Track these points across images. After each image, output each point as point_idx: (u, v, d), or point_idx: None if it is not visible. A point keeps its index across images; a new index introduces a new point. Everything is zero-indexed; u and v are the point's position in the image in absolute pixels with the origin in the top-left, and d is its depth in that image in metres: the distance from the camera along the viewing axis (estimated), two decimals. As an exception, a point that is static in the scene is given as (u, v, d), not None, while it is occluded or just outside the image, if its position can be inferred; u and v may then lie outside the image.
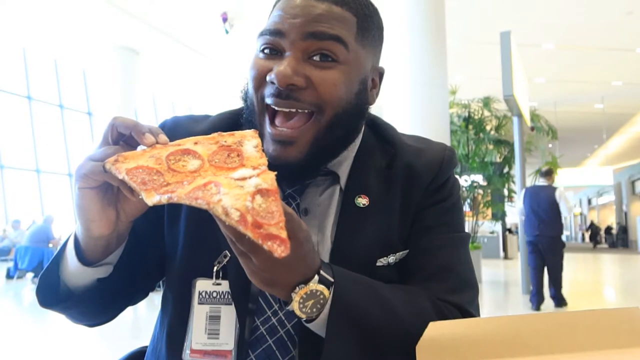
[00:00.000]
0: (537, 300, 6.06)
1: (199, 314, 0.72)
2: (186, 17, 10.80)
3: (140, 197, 0.52)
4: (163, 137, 0.60)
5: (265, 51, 0.71)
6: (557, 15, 10.30)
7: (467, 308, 0.73)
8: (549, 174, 6.33)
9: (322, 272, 0.61)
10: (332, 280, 0.61)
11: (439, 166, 0.80)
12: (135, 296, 0.82)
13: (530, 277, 6.29)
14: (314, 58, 0.69)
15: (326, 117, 0.70)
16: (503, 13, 9.96)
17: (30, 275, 9.08)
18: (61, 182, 15.40)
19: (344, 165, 0.79)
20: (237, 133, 0.61)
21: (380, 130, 0.84)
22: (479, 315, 0.75)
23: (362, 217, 0.74)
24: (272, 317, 0.72)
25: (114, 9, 10.37)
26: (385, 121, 0.86)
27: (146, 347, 0.87)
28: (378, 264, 0.74)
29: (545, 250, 6.11)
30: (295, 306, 0.60)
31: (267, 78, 0.69)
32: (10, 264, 9.68)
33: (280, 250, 0.46)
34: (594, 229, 28.04)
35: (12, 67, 14.20)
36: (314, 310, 0.61)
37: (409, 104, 5.85)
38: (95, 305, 0.74)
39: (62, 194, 15.26)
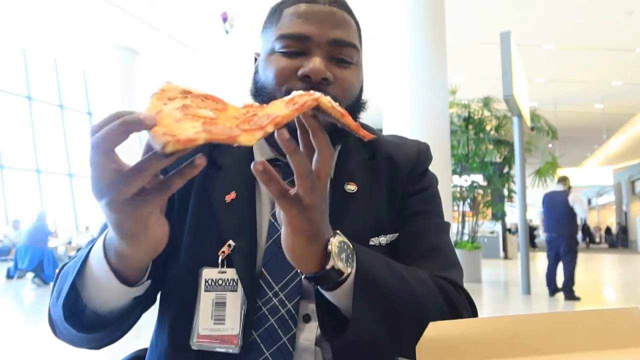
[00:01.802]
0: (550, 289, 6.97)
1: (205, 301, 0.75)
2: (186, 17, 10.80)
3: (236, 144, 0.46)
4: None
5: (288, 52, 0.77)
6: (557, 15, 10.29)
7: (459, 283, 0.78)
8: (564, 180, 7.18)
9: (338, 232, 0.64)
10: (351, 245, 0.65)
11: (417, 156, 0.89)
12: (151, 303, 0.82)
13: (547, 267, 7.19)
14: (336, 58, 0.78)
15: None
16: (503, 13, 9.96)
17: (30, 275, 9.09)
18: (61, 182, 15.41)
19: (335, 156, 0.85)
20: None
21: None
22: (467, 292, 0.79)
23: (352, 201, 0.80)
24: (273, 298, 0.75)
25: (114, 9, 10.37)
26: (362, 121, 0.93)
27: (145, 349, 0.87)
28: (370, 243, 0.79)
29: (561, 248, 6.90)
30: (335, 258, 0.61)
31: (299, 73, 0.76)
32: (10, 264, 9.68)
33: (364, 133, 0.58)
34: (586, 228, 28.84)
35: (12, 67, 14.21)
36: (347, 264, 0.63)
37: (409, 104, 5.85)
38: (125, 324, 0.73)
39: (62, 194, 15.27)
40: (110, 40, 11.82)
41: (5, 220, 13.54)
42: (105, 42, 11.89)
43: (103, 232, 0.71)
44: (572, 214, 6.84)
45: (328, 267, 0.61)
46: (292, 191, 0.55)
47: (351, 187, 0.82)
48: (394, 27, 5.95)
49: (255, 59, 0.87)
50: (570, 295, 6.66)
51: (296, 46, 0.77)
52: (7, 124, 14.47)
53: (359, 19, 0.87)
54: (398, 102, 5.88)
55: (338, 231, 0.64)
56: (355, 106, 0.82)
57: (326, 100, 0.55)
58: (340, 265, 0.62)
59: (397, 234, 0.82)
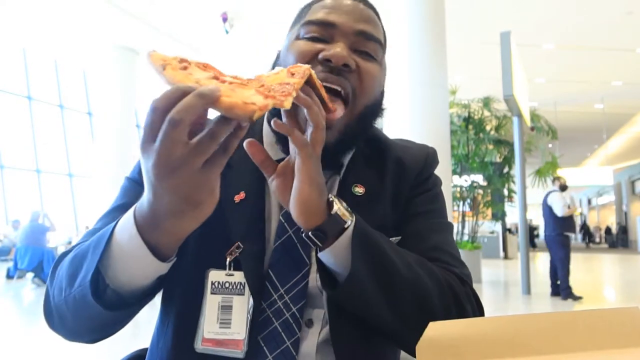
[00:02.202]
0: (552, 288, 7.04)
1: (211, 303, 0.74)
2: (186, 17, 10.81)
3: (283, 108, 0.55)
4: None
5: (312, 38, 0.77)
6: (557, 15, 10.30)
7: (465, 279, 0.77)
8: (557, 180, 7.29)
9: (344, 204, 0.70)
10: (351, 214, 0.69)
11: (424, 160, 0.89)
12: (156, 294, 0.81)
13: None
14: (360, 50, 0.78)
15: (359, 107, 0.78)
16: (503, 13, 9.96)
17: (30, 275, 9.09)
18: (61, 182, 15.41)
19: (347, 155, 0.85)
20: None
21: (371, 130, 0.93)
22: (473, 288, 0.78)
23: (359, 204, 0.79)
24: (278, 301, 0.74)
25: (114, 9, 10.37)
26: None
27: (145, 349, 0.86)
28: None
29: (548, 246, 7.09)
30: (339, 206, 0.67)
31: (320, 56, 0.75)
32: (10, 264, 9.68)
33: (330, 106, 0.70)
34: (586, 229, 29.24)
35: (12, 67, 14.21)
36: (347, 214, 0.68)
37: (409, 104, 5.85)
38: (137, 309, 0.72)
39: (62, 194, 15.27)
40: (110, 40, 11.82)
41: (6, 220, 13.54)
42: (105, 42, 11.89)
43: (93, 234, 0.71)
44: (551, 213, 6.92)
45: (333, 211, 0.67)
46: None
47: (359, 190, 0.82)
48: (394, 27, 5.95)
49: (278, 57, 0.86)
50: (567, 294, 6.61)
51: (321, 33, 0.77)
52: (7, 124, 14.47)
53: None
54: (398, 102, 5.88)
55: None
56: (374, 108, 0.81)
57: (314, 72, 0.64)
58: (343, 210, 0.67)
59: (400, 237, 0.81)
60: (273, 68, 0.81)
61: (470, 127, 10.08)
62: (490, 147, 10.03)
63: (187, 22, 11.03)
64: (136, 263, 0.62)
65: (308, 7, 0.82)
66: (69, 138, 15.77)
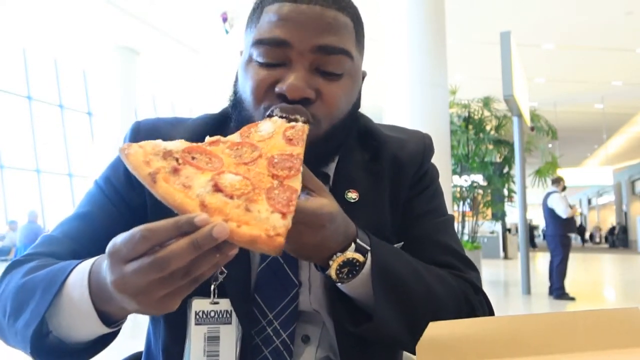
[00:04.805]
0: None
1: (196, 335, 0.69)
2: (186, 17, 10.80)
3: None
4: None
5: (265, 61, 0.68)
6: (557, 15, 10.29)
7: (476, 284, 0.76)
8: (556, 181, 7.29)
9: (358, 240, 0.65)
10: (368, 247, 0.65)
11: (422, 155, 0.83)
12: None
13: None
14: (321, 69, 0.68)
15: (324, 128, 0.69)
16: (503, 13, 9.95)
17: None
18: (61, 182, 15.40)
19: (331, 164, 0.78)
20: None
21: (359, 124, 0.84)
22: (485, 295, 0.77)
23: (354, 211, 0.73)
24: (267, 327, 0.71)
25: (114, 9, 10.37)
26: (360, 112, 0.83)
27: (141, 352, 0.85)
28: None
29: (549, 247, 7.09)
30: (332, 273, 0.64)
31: (276, 89, 0.66)
32: (10, 264, 9.67)
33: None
34: (581, 229, 29.48)
35: (12, 67, 14.20)
36: (350, 276, 0.64)
37: (409, 104, 5.85)
38: (85, 356, 0.65)
39: (62, 194, 15.26)
40: (110, 40, 11.81)
41: (6, 220, 13.54)
42: (105, 42, 11.88)
43: (51, 242, 0.68)
44: (553, 214, 6.93)
45: (327, 273, 0.64)
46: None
47: (352, 195, 0.76)
48: (394, 27, 5.95)
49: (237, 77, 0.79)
50: (559, 295, 6.63)
51: (275, 55, 0.67)
52: (7, 124, 14.46)
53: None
54: (398, 102, 5.88)
55: (358, 235, 0.66)
56: (344, 123, 0.72)
57: (307, 127, 0.60)
58: (337, 277, 0.64)
59: (402, 243, 0.78)
60: (236, 81, 0.76)
61: (470, 127, 10.06)
62: (490, 147, 10.01)
63: (187, 22, 11.02)
64: (82, 322, 0.57)
65: (260, 8, 0.71)
66: (69, 138, 15.75)
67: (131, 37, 11.69)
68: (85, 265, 0.57)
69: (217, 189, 0.48)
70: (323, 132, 0.69)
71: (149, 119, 0.82)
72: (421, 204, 0.81)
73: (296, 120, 0.64)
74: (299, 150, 0.55)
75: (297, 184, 0.51)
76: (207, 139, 0.57)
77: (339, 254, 0.63)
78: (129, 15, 10.63)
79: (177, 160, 0.51)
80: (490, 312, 0.76)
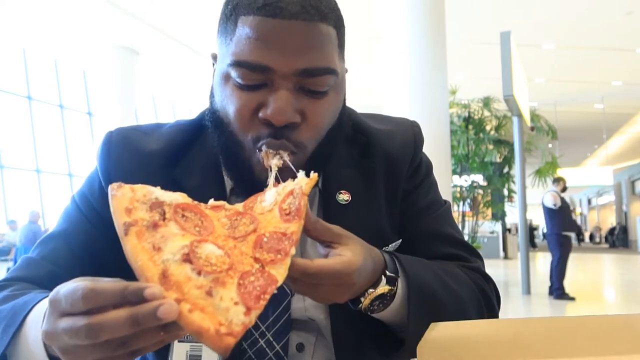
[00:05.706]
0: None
1: (178, 353, 0.66)
2: (186, 17, 10.80)
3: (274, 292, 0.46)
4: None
5: (246, 83, 0.64)
6: (557, 15, 10.29)
7: (484, 272, 0.77)
8: (556, 181, 7.29)
9: (388, 272, 0.63)
10: (397, 277, 0.64)
11: (414, 146, 0.80)
12: None
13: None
14: (306, 88, 0.64)
15: (309, 150, 0.67)
16: (503, 13, 9.95)
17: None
18: (61, 182, 15.40)
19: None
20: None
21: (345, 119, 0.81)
22: (493, 281, 0.79)
23: (347, 213, 0.72)
24: (259, 339, 0.69)
25: (114, 9, 10.37)
26: (345, 106, 0.79)
27: None
28: None
29: (548, 246, 7.15)
30: (364, 308, 0.63)
31: (260, 115, 0.63)
32: (10, 264, 9.68)
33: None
34: (578, 228, 29.19)
35: (12, 67, 14.19)
36: (381, 306, 0.63)
37: (409, 104, 5.84)
38: None
39: (62, 194, 15.25)
40: (110, 40, 11.81)
41: (6, 220, 13.54)
42: (105, 42, 11.88)
43: (28, 265, 0.67)
44: (549, 213, 6.93)
45: (359, 308, 0.63)
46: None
47: (344, 197, 0.73)
48: (394, 27, 5.95)
49: (213, 64, 0.75)
50: (559, 295, 6.62)
51: (256, 77, 0.63)
52: (7, 124, 14.46)
53: (358, 20, 0.75)
54: (398, 102, 5.88)
55: (386, 266, 0.64)
56: (331, 133, 0.69)
57: (308, 187, 0.54)
58: (370, 311, 0.63)
59: (400, 240, 0.76)
60: (212, 96, 0.72)
61: (470, 127, 10.07)
62: (490, 147, 10.02)
63: (187, 22, 11.02)
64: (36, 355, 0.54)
65: (235, 15, 0.65)
66: (68, 138, 15.75)
67: (131, 37, 11.69)
68: (46, 302, 0.53)
69: (187, 259, 0.43)
70: (309, 153, 0.67)
71: (123, 128, 0.79)
72: (420, 199, 0.79)
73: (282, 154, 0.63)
74: (294, 227, 0.50)
75: (281, 271, 0.46)
76: (211, 202, 0.54)
77: (370, 290, 0.62)
78: (128, 15, 10.63)
79: (163, 214, 0.47)
80: (497, 297, 0.77)
